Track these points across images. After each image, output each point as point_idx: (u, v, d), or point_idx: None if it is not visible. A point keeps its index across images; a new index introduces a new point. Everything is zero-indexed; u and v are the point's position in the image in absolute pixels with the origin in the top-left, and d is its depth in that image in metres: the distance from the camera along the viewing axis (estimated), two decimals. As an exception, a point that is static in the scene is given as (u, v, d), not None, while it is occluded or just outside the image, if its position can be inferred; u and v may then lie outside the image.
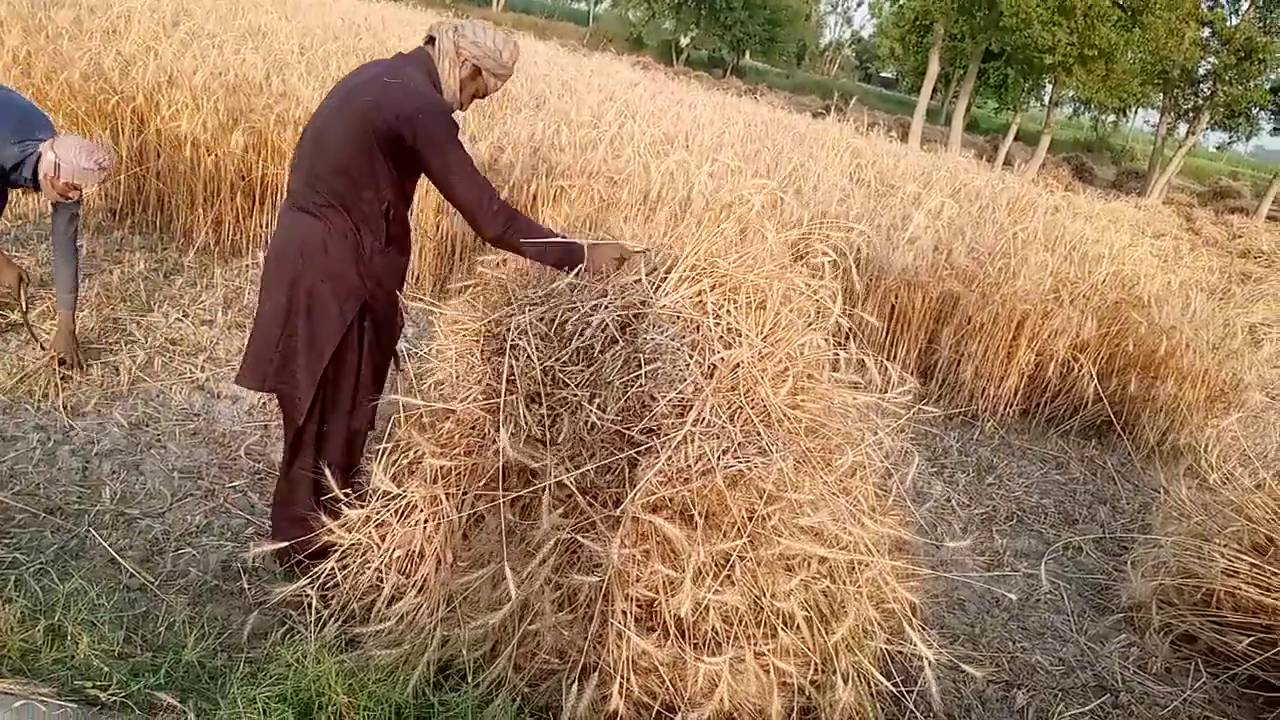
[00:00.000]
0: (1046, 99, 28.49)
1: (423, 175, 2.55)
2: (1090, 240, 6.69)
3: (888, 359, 2.76)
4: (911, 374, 4.15)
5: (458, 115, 2.62)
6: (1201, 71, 26.06)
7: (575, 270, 2.48)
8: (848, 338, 2.87)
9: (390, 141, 2.40)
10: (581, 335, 2.30)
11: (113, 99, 5.08)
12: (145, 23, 6.07)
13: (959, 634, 3.32)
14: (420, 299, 2.60)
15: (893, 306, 5.51)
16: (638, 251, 2.55)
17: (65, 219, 3.57)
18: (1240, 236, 16.63)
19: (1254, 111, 26.25)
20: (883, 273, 5.33)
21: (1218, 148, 35.44)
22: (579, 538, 2.23)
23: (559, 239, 2.50)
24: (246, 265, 5.17)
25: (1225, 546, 3.44)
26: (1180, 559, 3.61)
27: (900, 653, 2.61)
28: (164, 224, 5.35)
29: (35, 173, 3.35)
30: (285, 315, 2.53)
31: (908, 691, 2.61)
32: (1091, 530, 4.42)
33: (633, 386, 2.29)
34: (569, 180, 5.00)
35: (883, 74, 72.47)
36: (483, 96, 2.71)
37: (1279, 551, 3.34)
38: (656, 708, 2.28)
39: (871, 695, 2.49)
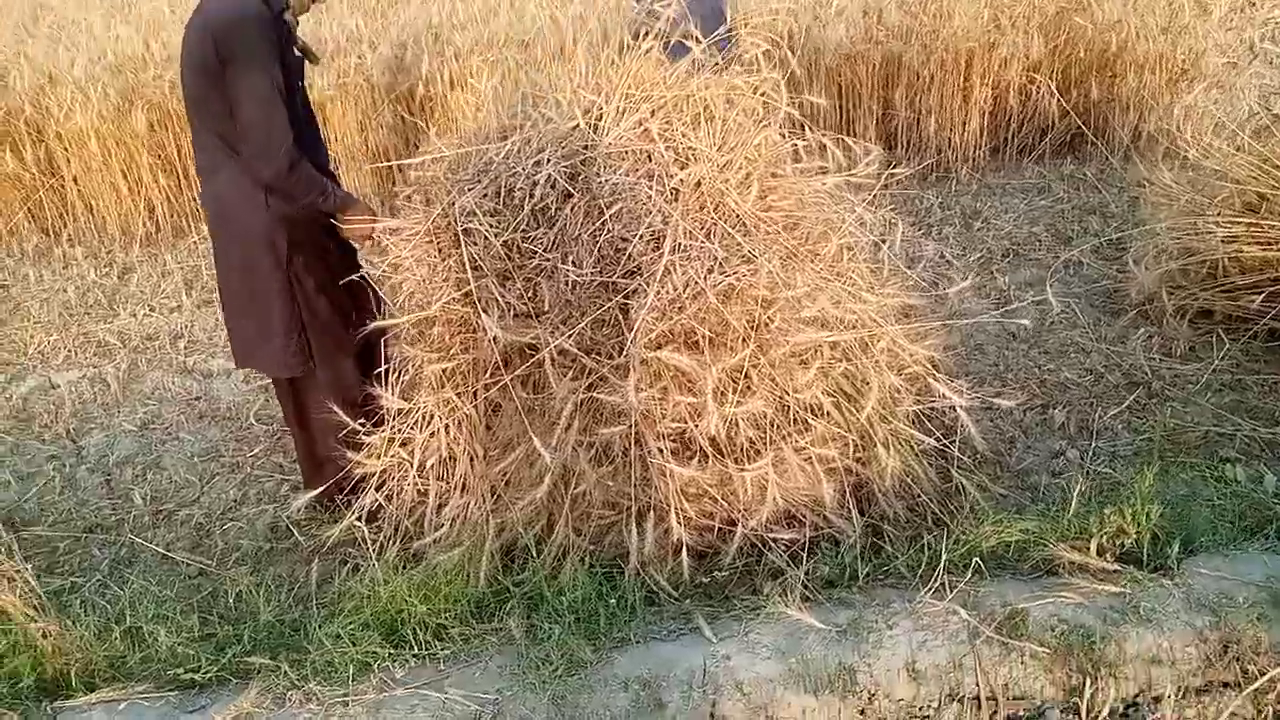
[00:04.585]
0: None
1: (298, 91, 2.45)
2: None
3: (847, 135, 2.70)
4: (874, 144, 4.08)
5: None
6: None
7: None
8: (802, 126, 2.79)
9: (221, 63, 2.26)
10: (532, 196, 2.24)
11: (-1, 115, 4.88)
12: (4, 26, 5.75)
13: (985, 375, 3.37)
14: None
15: (839, 83, 5.37)
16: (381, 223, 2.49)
17: None
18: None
19: None
20: (820, 52, 5.17)
21: None
22: (595, 395, 2.24)
23: (331, 191, 2.46)
24: (194, 242, 5.06)
25: (1219, 215, 3.44)
26: (1179, 241, 3.61)
27: (934, 409, 2.65)
28: (99, 227, 5.21)
29: None
30: (234, 287, 2.52)
31: (951, 442, 2.66)
32: (1087, 242, 4.41)
33: (601, 234, 2.25)
34: (479, 55, 4.81)
35: None
36: None
37: (1271, 205, 3.34)
38: (717, 525, 2.34)
39: (916, 455, 2.55)
